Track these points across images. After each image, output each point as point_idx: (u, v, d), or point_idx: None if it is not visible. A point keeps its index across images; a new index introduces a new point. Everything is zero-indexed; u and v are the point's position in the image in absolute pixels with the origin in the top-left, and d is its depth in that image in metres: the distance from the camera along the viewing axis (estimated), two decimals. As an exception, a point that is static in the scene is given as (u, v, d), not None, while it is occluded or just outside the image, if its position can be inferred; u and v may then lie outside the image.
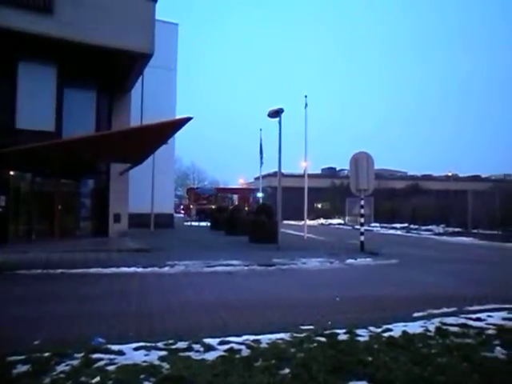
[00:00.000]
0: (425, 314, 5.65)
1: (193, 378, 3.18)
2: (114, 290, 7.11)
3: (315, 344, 4.08)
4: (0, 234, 13.53)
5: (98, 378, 3.13)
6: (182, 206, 54.78)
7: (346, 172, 47.91)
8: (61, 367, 3.35)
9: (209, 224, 27.62)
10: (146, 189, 21.93)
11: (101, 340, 4.17)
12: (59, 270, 8.70)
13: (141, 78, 17.40)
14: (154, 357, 3.65)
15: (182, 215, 53.05)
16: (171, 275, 8.74)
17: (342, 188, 40.97)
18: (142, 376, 3.22)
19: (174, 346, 3.97)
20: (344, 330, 4.53)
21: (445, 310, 5.90)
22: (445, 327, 4.76)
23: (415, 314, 5.59)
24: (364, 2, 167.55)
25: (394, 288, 7.87)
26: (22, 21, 12.32)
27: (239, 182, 58.60)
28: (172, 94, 26.62)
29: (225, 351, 3.85)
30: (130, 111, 17.01)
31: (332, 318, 5.34)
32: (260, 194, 31.25)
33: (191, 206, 39.58)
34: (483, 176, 58.19)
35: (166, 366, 3.45)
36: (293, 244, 15.69)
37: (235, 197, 39.77)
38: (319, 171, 59.88)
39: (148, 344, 3.99)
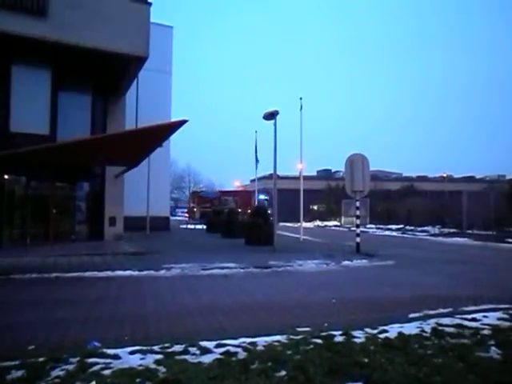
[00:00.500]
0: (421, 314, 5.66)
1: (189, 382, 3.17)
2: (109, 294, 7.08)
3: (311, 346, 4.08)
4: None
5: (93, 383, 3.11)
6: (185, 209, 55.00)
7: (341, 174, 47.99)
8: (56, 372, 3.32)
9: (205, 227, 27.59)
10: (142, 192, 21.88)
11: (96, 344, 4.15)
12: (54, 274, 8.65)
13: (136, 80, 17.38)
14: (149, 360, 3.64)
15: (178, 218, 53.01)
16: (167, 278, 8.72)
17: (338, 190, 41.10)
18: (137, 380, 3.20)
19: (170, 350, 3.95)
20: (340, 332, 4.53)
21: (440, 310, 5.92)
22: (440, 328, 4.78)
23: (411, 315, 5.60)
24: (363, 2, 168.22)
25: (389, 289, 7.89)
26: (15, 23, 12.28)
27: (235, 185, 58.60)
28: (167, 96, 26.61)
29: (221, 354, 3.84)
30: (125, 114, 16.98)
31: (328, 319, 5.35)
32: (262, 196, 31.27)
33: (195, 210, 39.69)
34: (478, 177, 58.57)
35: (162, 369, 3.43)
36: (289, 246, 15.69)
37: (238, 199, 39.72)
38: (315, 173, 60.03)
39: (144, 348, 3.97)
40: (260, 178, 34.21)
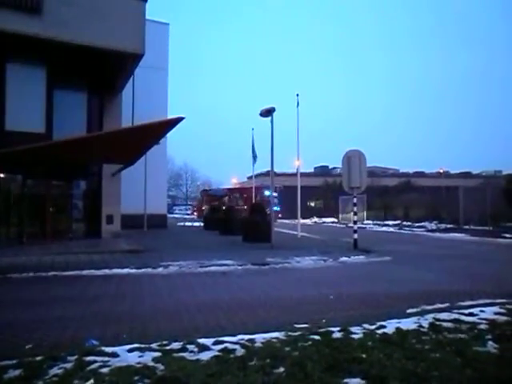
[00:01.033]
0: (418, 310, 5.68)
1: (187, 379, 3.16)
2: (107, 292, 7.07)
3: (310, 342, 4.08)
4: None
5: (91, 381, 3.10)
6: (194, 207, 54.98)
7: (338, 170, 48.03)
8: (54, 371, 3.31)
9: (202, 224, 27.59)
10: (139, 189, 21.87)
11: (94, 342, 4.14)
12: (51, 273, 8.63)
13: (132, 78, 17.31)
14: (148, 358, 3.63)
15: (176, 216, 52.95)
16: (165, 276, 8.71)
17: (335, 186, 41.09)
18: (136, 378, 3.20)
19: (168, 347, 3.95)
20: (338, 328, 4.54)
21: (438, 305, 5.93)
22: (438, 323, 4.80)
23: (409, 311, 5.61)
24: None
25: (387, 285, 7.91)
26: (9, 21, 12.21)
27: (232, 182, 58.58)
28: (163, 93, 26.53)
29: (219, 351, 3.84)
30: (121, 112, 16.94)
31: (326, 315, 5.36)
32: (267, 193, 31.23)
33: (203, 208, 39.79)
34: (474, 173, 58.77)
35: (160, 367, 3.43)
36: (286, 243, 15.71)
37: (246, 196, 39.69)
38: (312, 170, 60.06)
39: (142, 345, 3.97)
40: (257, 175, 34.19)
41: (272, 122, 14.50)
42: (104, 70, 15.18)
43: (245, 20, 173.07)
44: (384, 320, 4.92)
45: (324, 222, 38.81)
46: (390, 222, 31.76)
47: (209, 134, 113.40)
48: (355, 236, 13.83)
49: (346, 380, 3.18)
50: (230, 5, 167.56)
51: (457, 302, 6.15)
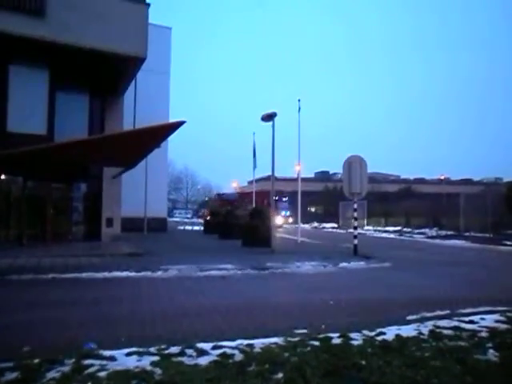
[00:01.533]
0: (418, 316, 5.65)
1: (185, 384, 3.14)
2: (106, 295, 7.05)
3: (309, 348, 4.06)
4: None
5: (88, 384, 3.08)
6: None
7: (339, 176, 48.04)
8: (51, 374, 3.29)
9: (202, 228, 27.56)
10: (139, 192, 21.89)
11: (92, 346, 4.12)
12: (51, 275, 8.60)
13: (134, 81, 17.36)
14: (146, 362, 3.61)
15: (176, 219, 52.87)
16: (164, 280, 8.69)
17: (336, 192, 41.14)
18: (133, 382, 3.17)
19: (166, 351, 3.92)
20: (338, 334, 4.51)
21: (438, 312, 5.91)
22: (438, 330, 4.77)
23: (409, 317, 5.59)
24: (363, 2, 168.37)
25: (387, 291, 7.88)
26: (13, 24, 12.27)
27: (233, 186, 58.52)
28: (165, 97, 26.62)
29: (218, 356, 3.81)
30: (122, 115, 16.97)
31: (326, 321, 5.32)
32: (285, 199, 31.60)
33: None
34: (475, 180, 58.79)
35: (158, 371, 3.40)
36: (286, 248, 15.67)
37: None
38: (312, 175, 60.11)
39: (140, 349, 3.94)
40: (258, 180, 34.17)
41: (273, 126, 14.51)
42: (106, 73, 15.22)
43: (247, 24, 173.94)
44: (384, 326, 4.89)
45: (324, 228, 38.76)
46: (391, 228, 31.73)
47: (210, 138, 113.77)
48: (355, 242, 13.79)
49: (345, 387, 3.16)
50: (232, 9, 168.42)
51: (457, 309, 6.12)
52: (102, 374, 3.32)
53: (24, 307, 6.05)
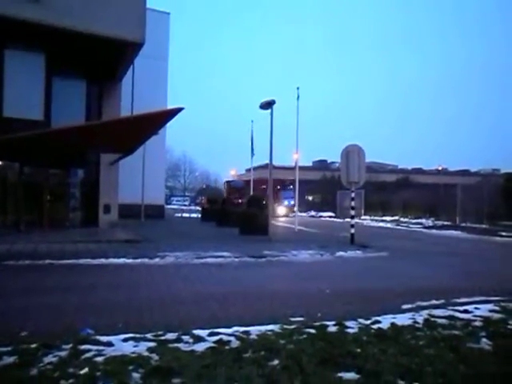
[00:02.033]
0: (413, 306, 5.70)
1: (182, 370, 3.16)
2: (103, 282, 7.07)
3: (305, 336, 4.09)
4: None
5: (86, 370, 3.10)
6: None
7: (337, 165, 47.99)
8: (48, 358, 3.31)
9: (200, 216, 27.59)
10: (137, 179, 21.83)
11: (89, 331, 4.14)
12: (47, 261, 8.61)
13: (132, 67, 17.19)
14: (142, 348, 3.63)
15: (174, 207, 52.84)
16: (161, 266, 8.71)
17: (333, 181, 41.13)
18: (130, 367, 3.19)
19: (163, 337, 3.95)
20: (333, 322, 4.54)
21: (433, 302, 5.95)
22: (433, 319, 4.81)
23: (404, 306, 5.64)
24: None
25: (383, 280, 7.94)
26: (9, 6, 12.05)
27: (231, 174, 58.44)
28: (163, 83, 26.42)
29: (214, 342, 3.84)
30: (120, 101, 16.83)
31: (322, 309, 5.36)
32: (291, 187, 31.32)
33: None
34: (472, 170, 58.86)
35: (154, 357, 3.43)
36: (283, 236, 15.72)
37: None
38: (310, 163, 60.04)
39: (137, 335, 3.97)
40: (256, 168, 34.13)
41: (272, 114, 14.45)
42: (104, 59, 15.04)
43: (246, 12, 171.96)
44: (379, 315, 4.93)
45: (321, 216, 38.86)
46: (388, 218, 31.86)
47: (208, 125, 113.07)
48: (352, 231, 13.85)
49: (340, 374, 3.19)
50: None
51: (452, 298, 6.17)
52: (99, 359, 3.34)
53: (21, 293, 6.06)
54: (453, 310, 5.31)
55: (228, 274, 8.25)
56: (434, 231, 22.48)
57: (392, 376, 3.15)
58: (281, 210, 35.45)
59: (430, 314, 5.02)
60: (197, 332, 4.11)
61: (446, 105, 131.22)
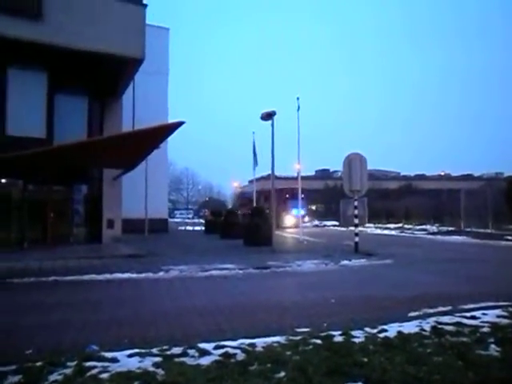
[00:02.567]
0: (420, 313, 5.66)
1: (188, 384, 3.14)
2: (107, 297, 7.06)
3: (311, 346, 4.06)
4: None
5: (91, 387, 3.09)
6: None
7: (339, 173, 47.99)
8: (53, 376, 3.30)
9: (203, 228, 27.57)
10: (140, 194, 21.87)
11: (94, 347, 4.12)
12: (52, 278, 8.61)
13: (132, 82, 17.36)
14: (148, 363, 3.61)
15: (177, 220, 52.83)
16: (166, 280, 8.69)
17: (336, 189, 41.07)
18: (136, 383, 3.18)
19: (168, 352, 3.93)
20: (339, 332, 4.51)
21: (440, 308, 5.90)
22: (440, 326, 4.77)
23: (410, 314, 5.59)
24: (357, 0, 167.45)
25: (389, 288, 7.88)
26: (11, 26, 12.26)
27: (233, 186, 58.59)
28: (164, 98, 26.62)
29: (220, 356, 3.82)
30: (121, 116, 16.96)
31: (327, 319, 5.33)
32: (302, 196, 30.74)
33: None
34: (475, 175, 58.69)
35: (160, 372, 3.41)
36: (287, 246, 15.68)
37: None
38: (313, 173, 60.06)
39: (142, 350, 3.95)
40: (258, 179, 34.15)
41: (273, 125, 14.52)
42: (104, 75, 15.20)
43: (245, 24, 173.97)
44: (385, 323, 4.89)
45: (325, 226, 38.73)
46: (392, 225, 31.69)
47: (210, 138, 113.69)
48: (356, 239, 13.79)
49: (347, 384, 3.16)
50: (232, 9, 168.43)
51: (459, 304, 6.11)
52: (105, 375, 3.33)
53: (26, 310, 6.07)
54: (460, 316, 5.26)
55: (233, 286, 8.21)
56: (438, 237, 22.34)
57: (400, 385, 3.12)
58: (289, 219, 34.34)
59: (437, 321, 4.98)
60: (202, 345, 4.09)
61: (449, 110, 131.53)
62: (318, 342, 4.20)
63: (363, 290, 7.76)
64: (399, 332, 4.54)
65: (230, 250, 14.60)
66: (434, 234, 24.51)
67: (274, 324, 5.17)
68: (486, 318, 5.12)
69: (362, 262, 11.58)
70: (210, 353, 3.90)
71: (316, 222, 41.92)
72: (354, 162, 13.99)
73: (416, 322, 4.99)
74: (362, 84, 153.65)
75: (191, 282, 8.53)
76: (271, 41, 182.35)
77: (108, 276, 8.91)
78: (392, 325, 4.85)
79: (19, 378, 3.27)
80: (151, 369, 3.48)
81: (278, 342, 4.20)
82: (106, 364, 3.58)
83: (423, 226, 28.24)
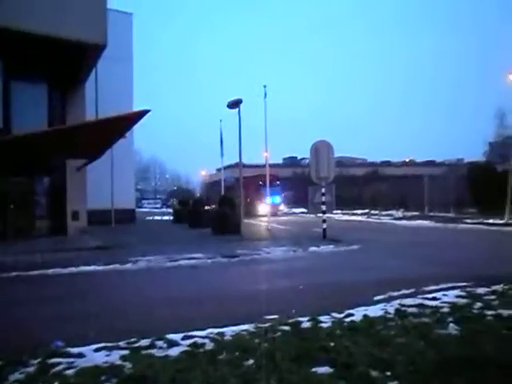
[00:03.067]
0: (385, 296, 5.83)
1: (156, 376, 3.12)
2: (73, 291, 6.90)
3: (279, 333, 4.12)
4: None
5: (55, 384, 3.01)
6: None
7: (307, 161, 48.48)
8: (15, 376, 3.19)
9: (172, 218, 27.32)
10: (106, 184, 21.36)
11: (59, 343, 4.01)
12: (14, 273, 8.29)
13: (95, 69, 16.79)
14: (115, 357, 3.56)
15: (145, 210, 52.02)
16: (133, 272, 8.57)
17: (304, 177, 41.51)
18: (102, 378, 3.13)
19: (136, 344, 3.89)
20: (307, 318, 4.59)
21: (404, 291, 6.10)
22: (403, 308, 4.94)
23: (376, 298, 5.75)
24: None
25: (356, 273, 8.08)
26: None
27: (201, 174, 58.18)
28: (128, 85, 25.96)
29: (188, 346, 3.81)
30: (84, 104, 16.40)
31: (296, 306, 5.40)
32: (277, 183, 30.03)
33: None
34: (438, 161, 60.63)
35: (128, 365, 3.37)
36: (256, 234, 15.76)
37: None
38: (281, 161, 60.42)
39: (109, 344, 3.89)
40: (226, 167, 34.02)
41: (239, 113, 14.47)
42: (65, 62, 14.59)
43: (212, 8, 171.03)
44: (352, 308, 5.02)
45: (293, 213, 39.15)
46: (359, 211, 32.41)
47: (178, 127, 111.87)
48: (324, 226, 14.01)
49: (314, 369, 3.22)
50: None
51: (421, 287, 6.33)
52: (70, 371, 3.26)
53: (-14, 308, 5.84)
54: (422, 298, 5.47)
55: (201, 275, 8.20)
56: (403, 222, 23.03)
57: (364, 367, 3.21)
58: (263, 208, 33.01)
59: (400, 304, 5.15)
60: (170, 336, 4.06)
61: (417, 97, 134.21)
62: (287, 328, 4.26)
63: (331, 275, 7.92)
64: (365, 316, 4.66)
65: (199, 239, 14.54)
66: (399, 219, 25.23)
67: (243, 312, 5.19)
68: (445, 299, 5.34)
69: (330, 248, 11.80)
70: (178, 343, 3.89)
71: (285, 210, 42.31)
72: (320, 149, 14.15)
73: (381, 306, 5.15)
74: (327, 73, 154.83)
75: (159, 272, 8.46)
76: (242, 25, 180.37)
77: (73, 269, 8.68)
78: (358, 309, 4.98)
79: (-23, 379, 3.15)
80: (118, 362, 3.43)
81: (246, 330, 4.24)
82: (71, 360, 3.51)
83: (389, 212, 29.03)
